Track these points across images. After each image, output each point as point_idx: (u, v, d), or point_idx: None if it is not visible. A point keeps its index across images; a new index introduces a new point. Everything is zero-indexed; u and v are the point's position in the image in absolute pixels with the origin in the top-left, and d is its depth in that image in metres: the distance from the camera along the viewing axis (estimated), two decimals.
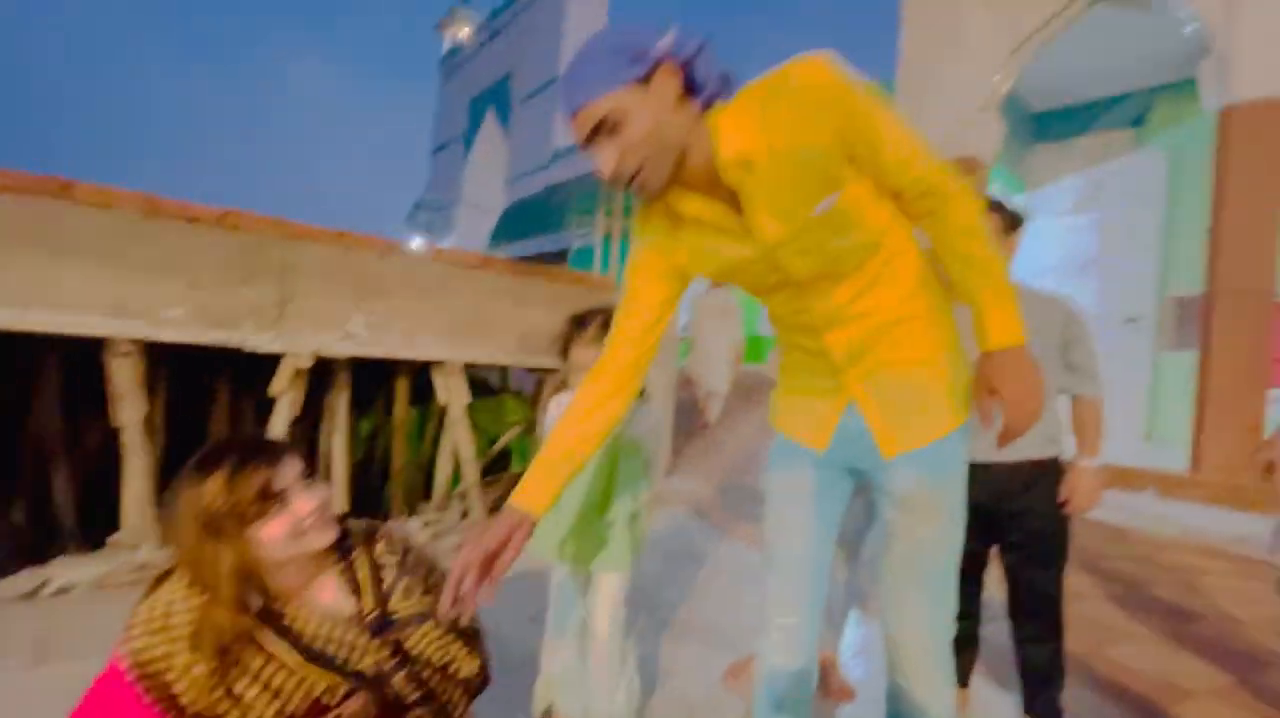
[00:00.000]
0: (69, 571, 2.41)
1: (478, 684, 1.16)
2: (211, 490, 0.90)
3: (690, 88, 0.94)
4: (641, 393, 1.50)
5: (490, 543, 0.98)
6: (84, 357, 3.93)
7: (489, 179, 22.53)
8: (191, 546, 0.91)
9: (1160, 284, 6.16)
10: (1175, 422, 5.73)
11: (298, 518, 0.94)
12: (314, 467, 3.89)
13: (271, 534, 0.93)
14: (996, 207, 1.71)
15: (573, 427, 1.12)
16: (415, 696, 1.04)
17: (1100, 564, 3.15)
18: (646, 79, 0.90)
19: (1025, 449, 1.62)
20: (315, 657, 1.00)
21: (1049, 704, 1.73)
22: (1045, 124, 7.10)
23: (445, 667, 1.10)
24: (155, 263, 2.50)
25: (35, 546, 4.15)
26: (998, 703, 1.93)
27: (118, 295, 2.44)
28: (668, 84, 0.92)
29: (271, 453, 0.95)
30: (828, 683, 1.98)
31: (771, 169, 0.95)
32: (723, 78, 0.96)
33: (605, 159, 0.94)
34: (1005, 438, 1.03)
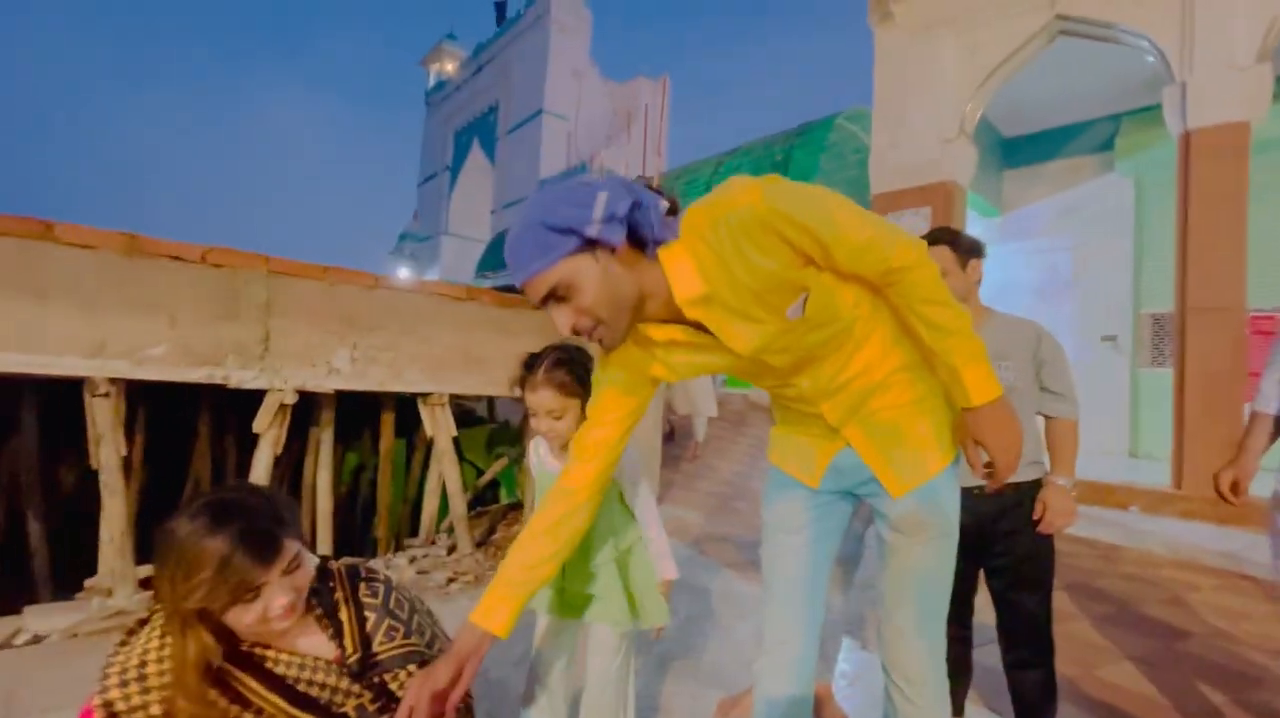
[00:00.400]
0: (42, 620, 2.34)
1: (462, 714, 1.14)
2: (199, 561, 0.87)
3: (635, 241, 0.96)
4: None
5: (441, 679, 0.98)
6: (61, 396, 3.87)
7: (474, 210, 22.71)
8: (170, 608, 0.90)
9: (1135, 302, 6.31)
10: (1157, 438, 5.82)
11: (266, 611, 0.93)
12: (297, 499, 3.83)
13: (236, 619, 0.92)
14: (952, 238, 1.75)
15: (535, 543, 1.12)
16: None
17: (1089, 583, 3.16)
18: (589, 245, 0.91)
19: None
20: (299, 701, 0.98)
21: None
22: (1016, 150, 7.31)
23: None
24: (137, 301, 2.48)
25: (6, 592, 4.03)
26: None
27: (98, 335, 2.42)
28: (610, 245, 0.92)
29: (271, 545, 0.92)
30: (824, 714, 1.95)
31: (731, 298, 0.99)
32: (666, 220, 0.97)
33: (562, 322, 0.96)
34: (995, 483, 1.09)
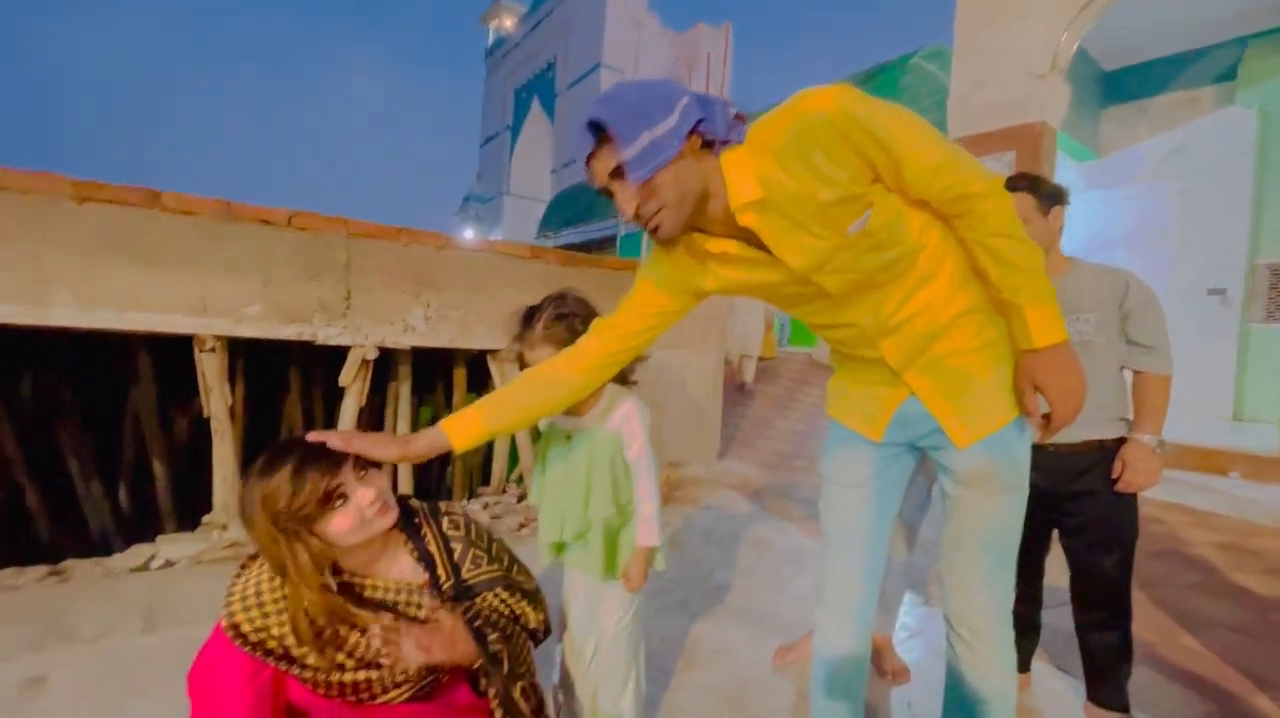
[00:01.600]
0: (171, 547, 2.65)
1: (541, 634, 1.26)
2: (276, 494, 0.97)
3: (706, 140, 0.96)
4: (629, 383, 1.45)
5: (385, 443, 1.04)
6: (172, 352, 4.25)
7: (535, 169, 22.81)
8: (266, 542, 1.00)
9: (1251, 252, 5.71)
10: (1265, 399, 5.34)
11: (361, 509, 1.02)
12: None
13: (338, 528, 1.01)
14: (1033, 183, 1.64)
15: (517, 386, 1.16)
16: (493, 636, 1.13)
17: (1179, 550, 3.00)
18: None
19: (1086, 429, 1.57)
20: (394, 612, 1.09)
21: (1114, 692, 1.69)
22: (1117, 84, 6.64)
23: (515, 618, 1.20)
24: (233, 264, 2.68)
25: (138, 525, 4.56)
26: (1061, 689, 1.89)
27: (202, 296, 2.63)
28: (685, 139, 0.93)
29: (327, 452, 1.01)
30: (883, 664, 1.98)
31: (790, 206, 0.96)
32: (734, 123, 0.97)
33: (626, 200, 0.96)
34: (1049, 433, 1.05)
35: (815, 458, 4.66)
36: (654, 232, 0.98)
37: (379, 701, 1.09)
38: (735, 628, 2.25)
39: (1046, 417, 1.04)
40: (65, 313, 2.40)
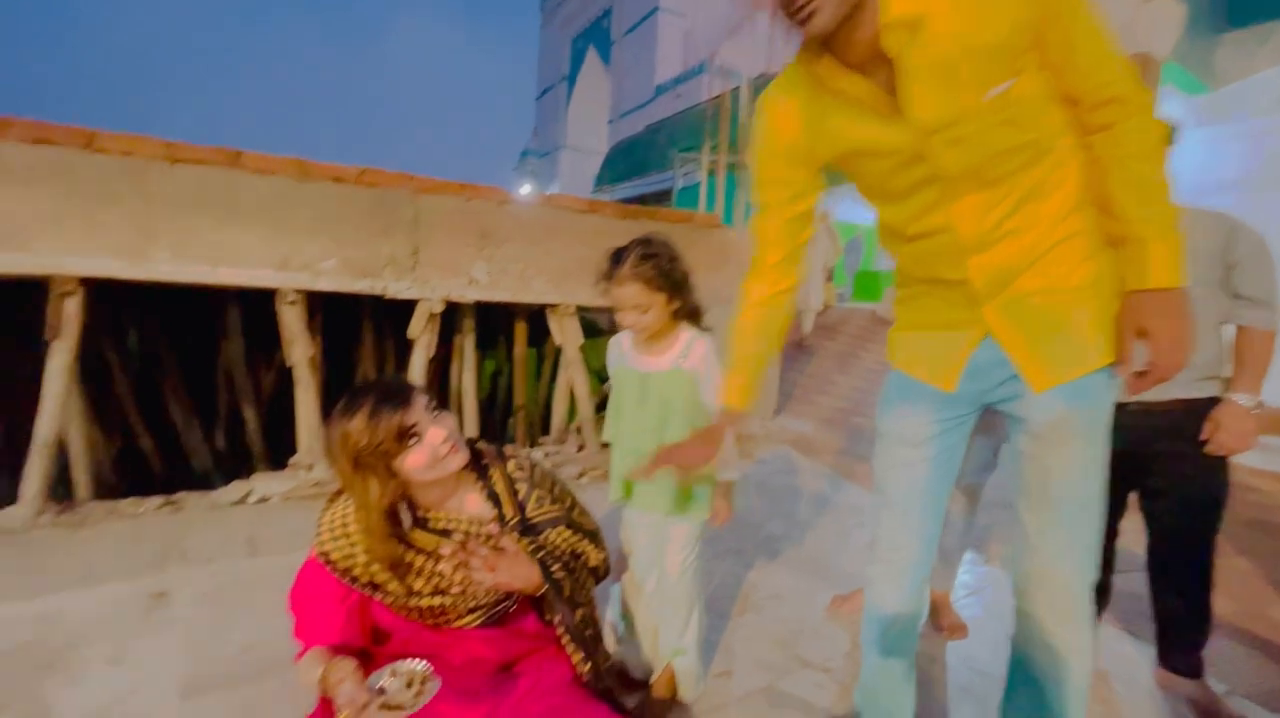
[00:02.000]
0: (265, 484, 2.90)
1: (602, 572, 1.32)
2: (356, 431, 1.04)
3: None
4: (701, 324, 1.48)
5: (693, 446, 1.18)
6: (257, 306, 4.54)
7: (591, 121, 22.51)
8: (347, 475, 1.07)
9: None
10: None
11: (434, 447, 1.08)
12: (445, 401, 4.31)
13: (413, 464, 1.08)
14: None
15: (753, 336, 1.22)
16: (555, 566, 1.20)
17: (1271, 520, 2.82)
18: None
19: (1175, 388, 1.48)
20: (462, 545, 1.17)
21: (1187, 659, 1.63)
22: (1238, 7, 5.88)
23: (576, 556, 1.27)
24: (310, 220, 2.81)
25: (234, 464, 4.99)
26: (1130, 653, 1.85)
27: (282, 251, 2.79)
28: None
29: (402, 394, 1.08)
30: (940, 620, 1.98)
31: (944, 39, 0.86)
32: None
33: None
34: (1145, 385, 0.96)
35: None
36: (806, 20, 0.87)
37: (454, 625, 1.18)
38: (789, 577, 2.29)
39: (1141, 372, 0.95)
40: (164, 268, 2.59)
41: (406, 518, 1.14)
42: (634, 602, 1.60)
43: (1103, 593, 1.78)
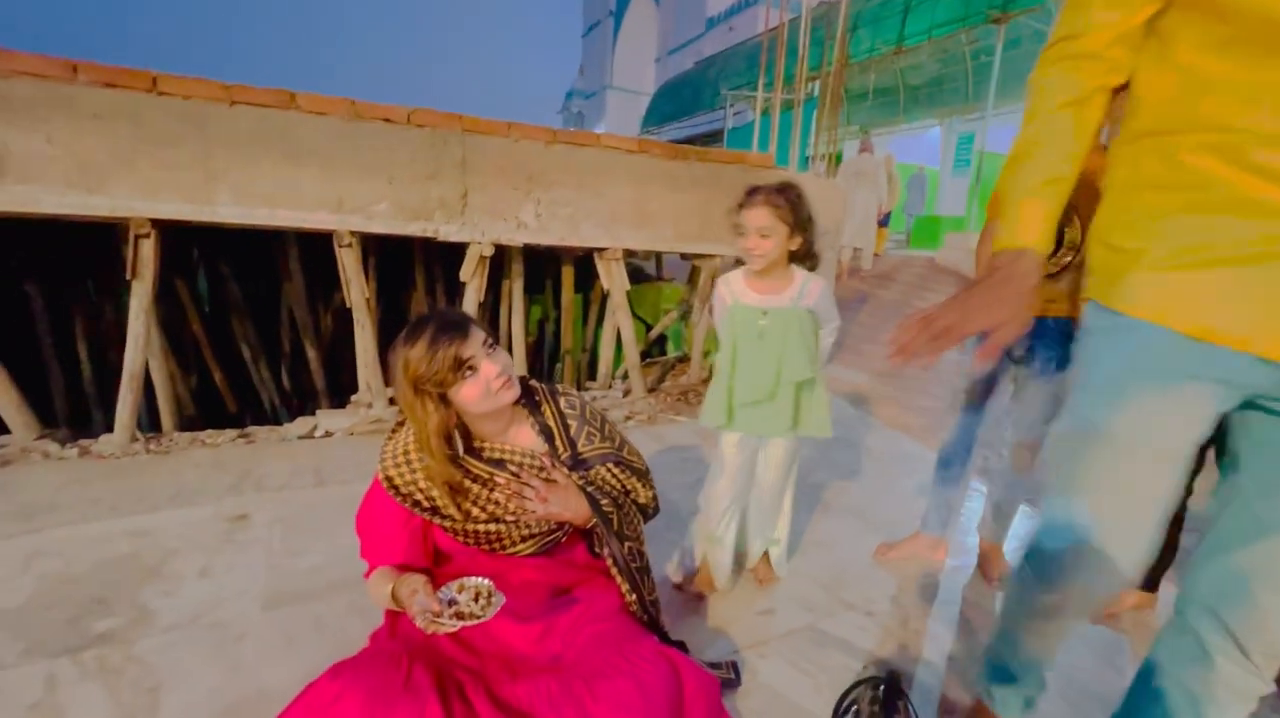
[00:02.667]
0: (329, 420, 3.05)
1: (651, 511, 1.34)
2: (415, 359, 1.08)
3: None
4: (812, 264, 1.61)
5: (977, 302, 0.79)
6: (315, 250, 4.68)
7: (638, 59, 21.69)
8: (409, 401, 1.12)
9: None
10: None
11: (487, 381, 1.12)
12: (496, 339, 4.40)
13: (468, 395, 1.11)
14: None
15: (1053, 143, 0.83)
16: (604, 500, 1.24)
17: None
18: None
19: None
20: (502, 466, 1.21)
21: None
22: None
23: (626, 492, 1.30)
24: (363, 162, 2.83)
25: (299, 401, 5.26)
26: None
27: (337, 193, 2.83)
28: None
29: (460, 327, 1.11)
30: (990, 570, 1.96)
31: None
32: None
33: None
34: None
35: (938, 368, 4.44)
36: None
37: (507, 552, 1.23)
38: (834, 523, 2.29)
39: None
40: (228, 210, 2.68)
41: (461, 446, 1.18)
42: (720, 521, 1.73)
43: (1170, 551, 1.72)
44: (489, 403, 1.13)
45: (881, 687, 1.17)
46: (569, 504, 1.18)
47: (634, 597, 1.22)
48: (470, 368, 1.10)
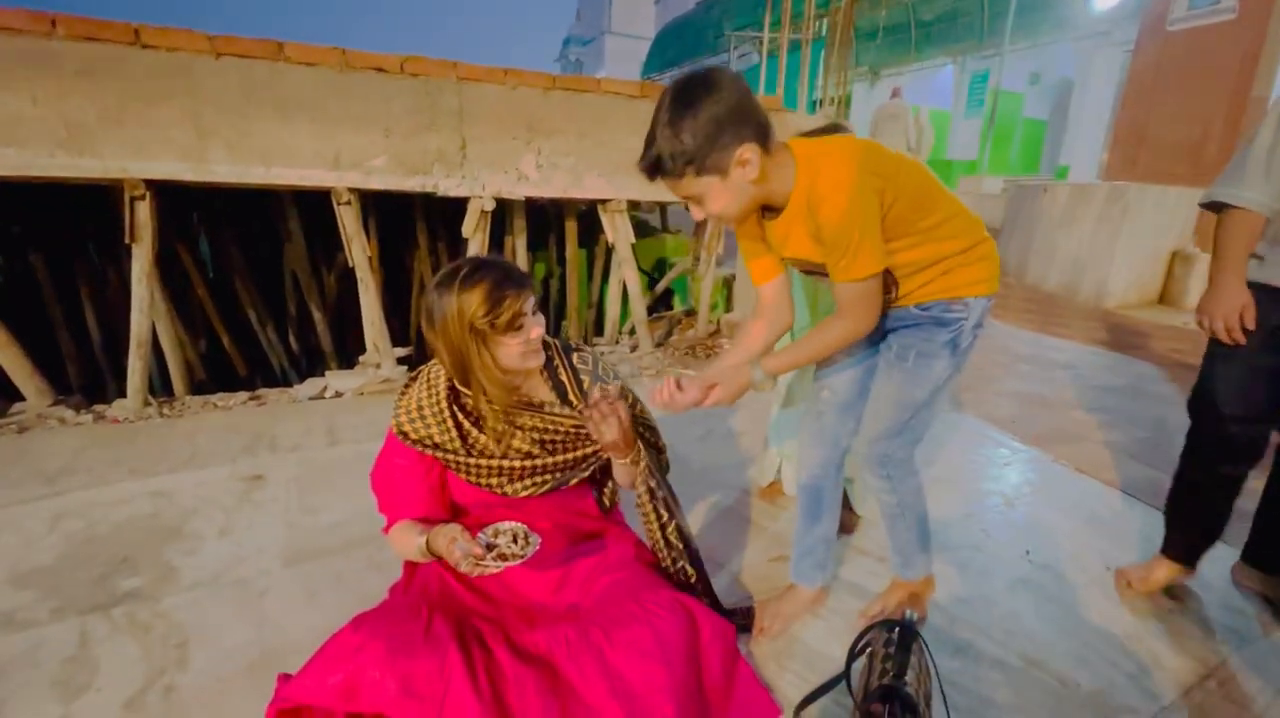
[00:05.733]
0: (339, 381, 3.06)
1: (664, 465, 1.35)
2: (475, 304, 1.06)
3: None
4: None
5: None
6: (314, 209, 4.61)
7: (637, 3, 20.79)
8: (458, 344, 1.10)
9: None
10: None
11: (529, 340, 1.12)
12: None
13: (509, 349, 1.11)
14: None
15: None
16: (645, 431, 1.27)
17: None
18: None
19: None
20: (541, 412, 1.21)
21: (1274, 555, 1.57)
22: None
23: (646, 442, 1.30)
24: (357, 115, 2.75)
25: (307, 363, 5.28)
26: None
27: (333, 149, 2.76)
28: None
29: (520, 284, 1.10)
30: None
31: None
32: None
33: None
34: None
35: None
36: None
37: (503, 491, 1.23)
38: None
39: None
40: (222, 169, 2.61)
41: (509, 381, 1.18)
42: (793, 447, 1.87)
43: (1218, 528, 1.60)
44: (522, 361, 1.14)
45: (896, 629, 1.18)
46: (628, 429, 1.18)
47: (672, 525, 1.24)
48: (520, 325, 1.10)
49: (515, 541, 1.09)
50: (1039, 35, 10.01)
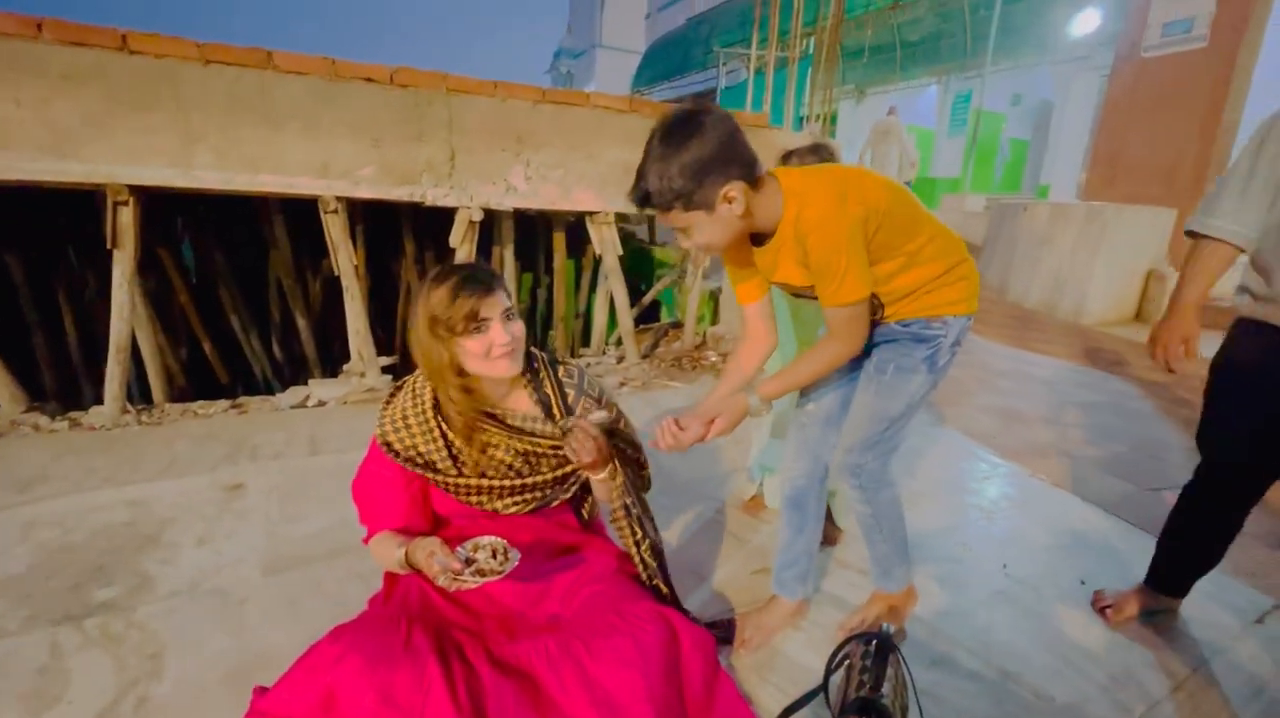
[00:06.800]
0: (321, 390, 3.04)
1: (645, 483, 1.35)
2: (437, 300, 1.09)
3: None
4: None
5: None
6: (300, 217, 4.59)
7: (628, 17, 21.04)
8: (423, 338, 1.12)
9: None
10: None
11: (490, 344, 1.11)
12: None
13: (470, 349, 1.11)
14: None
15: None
16: (629, 448, 1.26)
17: None
18: None
19: None
20: (519, 432, 1.21)
21: None
22: None
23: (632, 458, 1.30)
24: (345, 124, 2.75)
25: (290, 371, 5.23)
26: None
27: (321, 157, 2.76)
28: None
29: (485, 284, 1.11)
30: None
31: None
32: None
33: None
34: None
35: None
36: None
37: (487, 506, 1.23)
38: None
39: None
40: (208, 175, 2.60)
41: (468, 385, 1.17)
42: (775, 461, 1.93)
43: (1210, 560, 1.56)
44: (484, 366, 1.13)
45: (873, 642, 1.19)
46: (603, 448, 1.17)
47: (646, 543, 1.24)
48: (480, 327, 1.10)
49: (494, 556, 1.08)
50: (1020, 58, 10.26)
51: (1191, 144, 5.12)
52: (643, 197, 1.11)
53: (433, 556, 1.04)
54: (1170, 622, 1.62)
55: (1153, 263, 5.16)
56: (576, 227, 4.57)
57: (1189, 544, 1.53)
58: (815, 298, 1.21)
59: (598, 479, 1.22)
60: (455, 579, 1.02)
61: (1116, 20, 6.31)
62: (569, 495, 1.28)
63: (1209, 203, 1.30)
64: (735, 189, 1.06)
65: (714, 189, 1.06)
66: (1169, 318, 1.35)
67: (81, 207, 3.78)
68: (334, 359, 4.96)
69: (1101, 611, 1.63)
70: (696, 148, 1.04)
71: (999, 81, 10.00)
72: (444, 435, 1.18)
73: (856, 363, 1.37)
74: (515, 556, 1.08)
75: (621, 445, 1.25)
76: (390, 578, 1.22)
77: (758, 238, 1.22)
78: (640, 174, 1.10)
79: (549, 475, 1.23)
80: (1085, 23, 8.37)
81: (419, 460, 1.18)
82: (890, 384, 1.30)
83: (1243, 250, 1.28)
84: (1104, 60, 8.10)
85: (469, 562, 1.06)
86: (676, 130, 1.06)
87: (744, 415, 1.26)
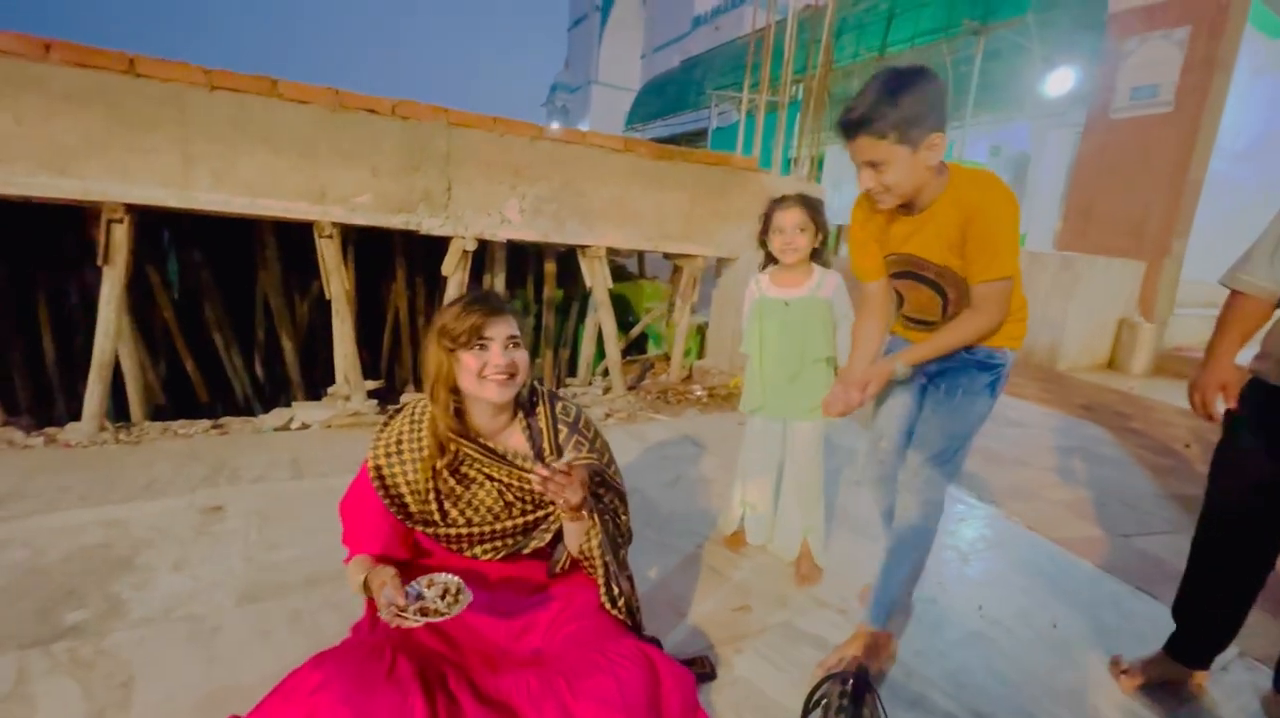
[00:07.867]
0: (305, 413, 3.02)
1: (626, 536, 1.34)
2: (449, 312, 1.15)
3: None
4: (825, 261, 1.84)
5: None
6: (292, 238, 4.61)
7: (624, 55, 21.64)
8: (430, 346, 1.18)
9: None
10: None
11: (485, 363, 1.13)
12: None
13: (467, 364, 1.14)
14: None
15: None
16: (607, 495, 1.28)
17: None
18: None
19: None
20: (496, 457, 1.21)
21: None
22: None
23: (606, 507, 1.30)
24: (345, 153, 2.81)
25: (273, 392, 5.17)
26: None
27: (319, 184, 2.80)
28: None
29: (494, 308, 1.16)
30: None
31: None
32: None
33: None
34: None
35: None
36: None
37: (465, 554, 1.23)
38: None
39: None
40: (206, 196, 2.63)
41: (458, 404, 1.20)
42: (759, 501, 2.00)
43: (1232, 629, 1.54)
44: (476, 385, 1.14)
45: (850, 682, 1.21)
46: (580, 491, 1.14)
47: (617, 591, 1.23)
48: (481, 345, 1.13)
49: (444, 595, 1.06)
50: (999, 111, 10.70)
51: (1158, 200, 5.36)
52: (861, 116, 1.18)
53: (384, 586, 1.05)
54: (1183, 693, 1.56)
55: (1124, 312, 5.34)
56: (568, 257, 4.64)
57: (1205, 607, 1.49)
58: (921, 277, 1.37)
59: (572, 528, 1.20)
60: (397, 616, 1.01)
61: (1090, 80, 6.64)
62: (542, 544, 1.26)
63: (1243, 259, 1.37)
64: (940, 139, 1.19)
65: (925, 131, 1.17)
66: (1206, 366, 1.40)
67: (68, 219, 3.78)
68: (316, 381, 4.93)
69: (1118, 676, 1.58)
70: (926, 88, 1.16)
71: (979, 134, 10.40)
72: (434, 464, 1.19)
73: (916, 400, 1.55)
74: (466, 598, 1.06)
75: (601, 493, 1.25)
76: (374, 604, 1.22)
77: (904, 209, 1.33)
78: (860, 98, 1.19)
79: (519, 520, 1.23)
80: (1060, 82, 8.77)
81: (399, 502, 1.19)
82: (959, 407, 1.43)
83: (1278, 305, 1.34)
84: (1077, 118, 8.48)
85: (418, 597, 1.05)
86: (909, 73, 1.17)
87: (889, 378, 1.42)
